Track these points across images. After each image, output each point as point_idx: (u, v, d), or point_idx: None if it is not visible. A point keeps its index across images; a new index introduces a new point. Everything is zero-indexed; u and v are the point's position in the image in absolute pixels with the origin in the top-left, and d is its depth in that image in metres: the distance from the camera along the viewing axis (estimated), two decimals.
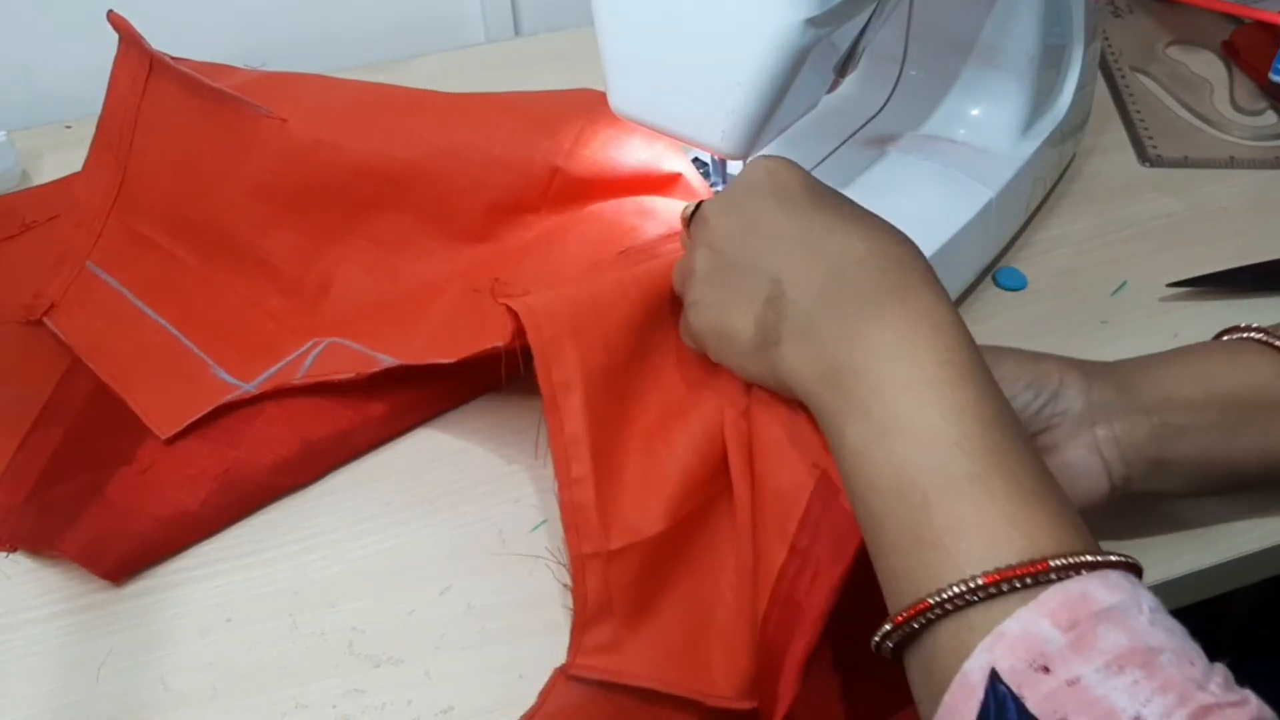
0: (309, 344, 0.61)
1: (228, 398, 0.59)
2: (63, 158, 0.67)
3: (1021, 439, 0.39)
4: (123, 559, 0.54)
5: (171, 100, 0.65)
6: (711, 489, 0.51)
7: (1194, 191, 0.74)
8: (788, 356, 0.44)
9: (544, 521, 0.56)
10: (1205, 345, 0.52)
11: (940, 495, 0.37)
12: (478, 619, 0.52)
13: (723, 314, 0.47)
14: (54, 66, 0.64)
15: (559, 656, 0.51)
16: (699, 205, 0.51)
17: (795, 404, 0.47)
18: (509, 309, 0.51)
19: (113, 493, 0.56)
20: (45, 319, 0.64)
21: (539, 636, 0.52)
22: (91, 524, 0.54)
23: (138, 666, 0.51)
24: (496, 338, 0.52)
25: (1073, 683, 0.33)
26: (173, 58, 0.66)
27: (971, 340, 0.42)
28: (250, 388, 0.59)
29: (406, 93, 0.64)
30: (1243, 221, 0.72)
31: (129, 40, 0.66)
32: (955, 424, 0.38)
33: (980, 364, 0.41)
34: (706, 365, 0.52)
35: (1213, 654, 0.35)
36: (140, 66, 0.66)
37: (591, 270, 0.56)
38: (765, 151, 0.59)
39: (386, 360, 0.58)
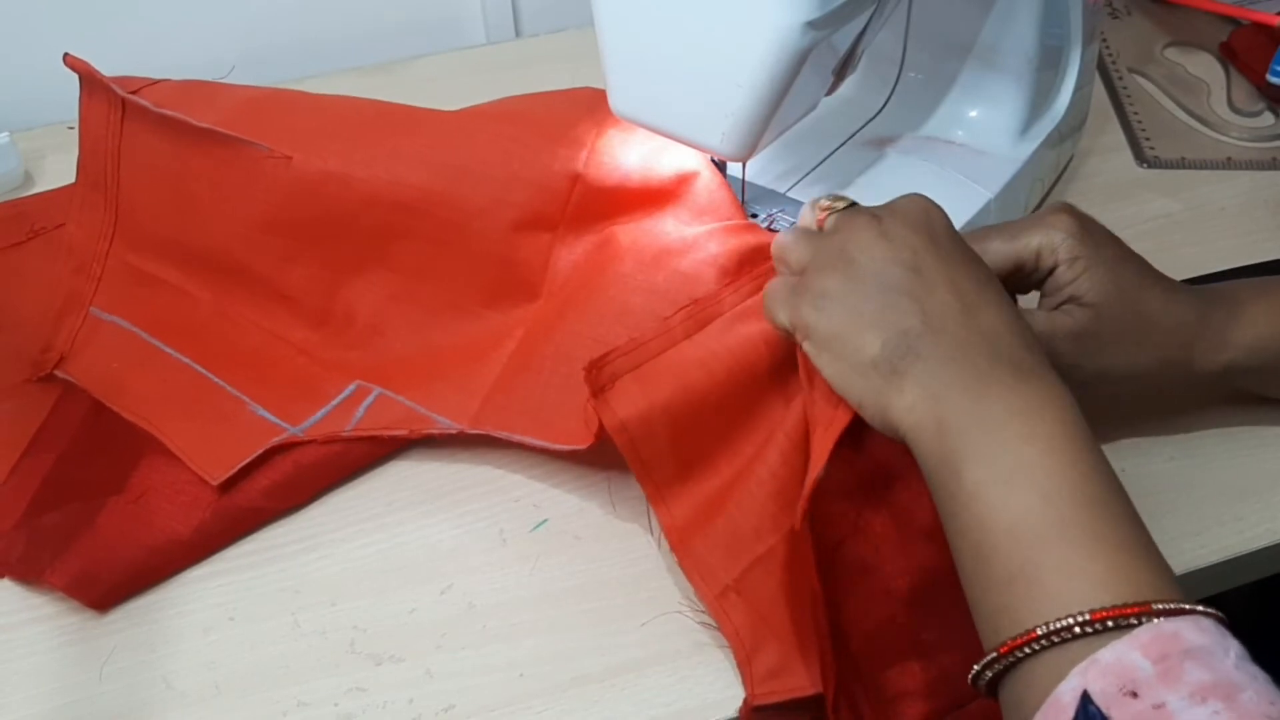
0: (352, 387, 0.59)
1: (275, 440, 0.57)
2: (65, 158, 0.67)
3: (1131, 507, 0.41)
4: (112, 588, 0.53)
5: (154, 139, 0.63)
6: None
7: (1191, 193, 0.74)
8: (908, 392, 0.45)
9: (544, 521, 0.56)
10: None
11: (1057, 541, 0.39)
12: (478, 618, 0.53)
13: (855, 319, 0.47)
14: (56, 67, 0.63)
15: (559, 655, 0.51)
16: (851, 204, 0.51)
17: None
18: (599, 416, 0.52)
19: (104, 522, 0.55)
20: (57, 371, 0.61)
21: (540, 635, 0.52)
22: (81, 554, 0.53)
23: (140, 665, 0.51)
24: (571, 438, 0.54)
25: (1158, 707, 0.34)
26: (140, 81, 0.63)
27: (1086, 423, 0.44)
28: (297, 431, 0.57)
29: (407, 111, 0.62)
30: (1240, 222, 0.72)
31: (90, 84, 0.63)
32: (1080, 483, 0.40)
33: (1095, 441, 0.43)
34: (788, 391, 0.52)
35: None
36: (111, 108, 0.63)
37: (660, 335, 0.54)
38: (764, 152, 0.59)
39: (443, 422, 0.58)
